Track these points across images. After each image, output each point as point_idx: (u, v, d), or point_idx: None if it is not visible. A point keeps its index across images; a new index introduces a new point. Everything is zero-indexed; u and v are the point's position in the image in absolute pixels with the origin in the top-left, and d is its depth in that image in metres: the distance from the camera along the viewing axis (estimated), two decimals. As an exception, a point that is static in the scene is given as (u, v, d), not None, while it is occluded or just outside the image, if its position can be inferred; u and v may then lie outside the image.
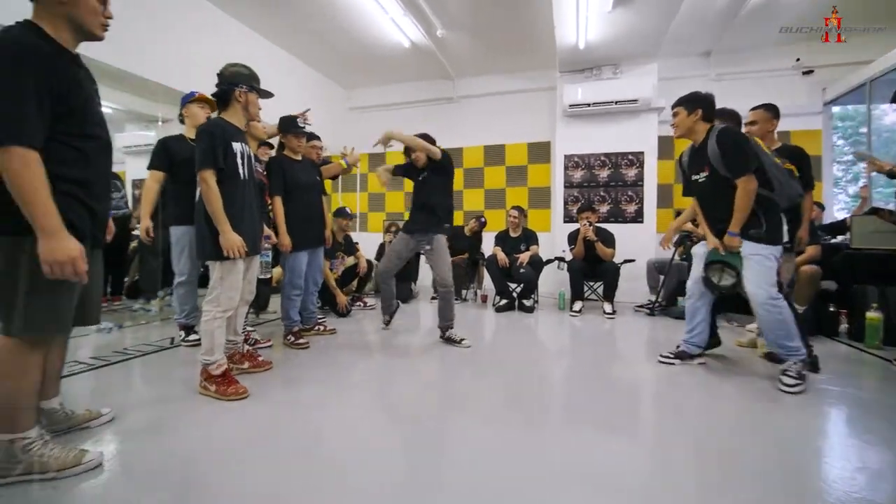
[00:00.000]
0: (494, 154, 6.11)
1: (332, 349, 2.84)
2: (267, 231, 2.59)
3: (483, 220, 5.10)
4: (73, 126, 1.25)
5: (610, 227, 4.47)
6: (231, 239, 1.87)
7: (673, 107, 2.44)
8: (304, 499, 1.23)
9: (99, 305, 1.57)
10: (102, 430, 1.64)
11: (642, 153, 4.95)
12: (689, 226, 3.82)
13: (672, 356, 2.53)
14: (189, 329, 2.85)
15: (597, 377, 2.37)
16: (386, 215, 6.60)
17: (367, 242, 5.94)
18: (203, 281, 3.18)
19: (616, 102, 4.83)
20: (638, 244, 4.75)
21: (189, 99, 2.74)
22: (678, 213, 4.21)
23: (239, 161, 1.97)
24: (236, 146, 1.97)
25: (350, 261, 4.38)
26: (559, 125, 5.25)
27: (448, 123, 6.23)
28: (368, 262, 4.57)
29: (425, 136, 3.07)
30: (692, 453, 1.55)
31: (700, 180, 2.36)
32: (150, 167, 2.70)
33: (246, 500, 1.22)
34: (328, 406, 1.92)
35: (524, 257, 4.22)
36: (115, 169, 3.69)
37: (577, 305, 4.13)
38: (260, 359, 2.35)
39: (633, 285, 4.64)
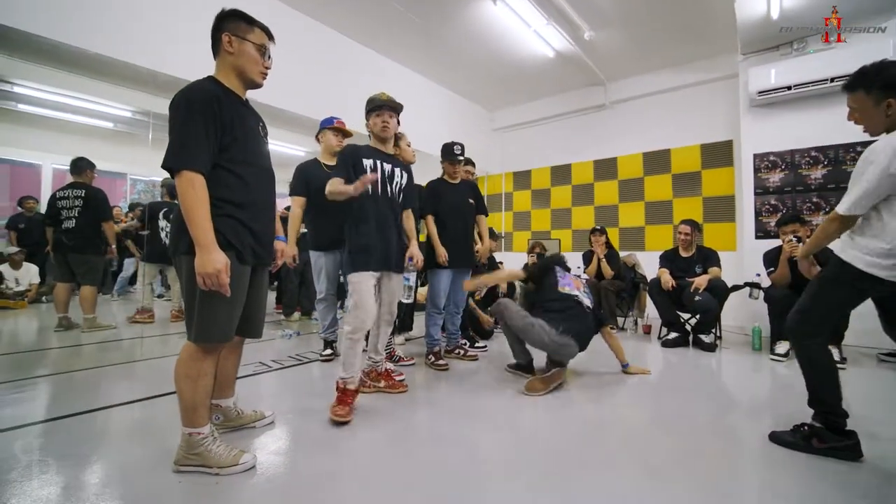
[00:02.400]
0: (657, 161, 5.32)
1: (471, 375, 2.71)
2: (411, 252, 2.33)
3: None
4: (237, 154, 1.42)
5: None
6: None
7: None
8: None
9: (262, 321, 1.73)
10: (262, 431, 1.80)
11: (882, 142, 3.63)
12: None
13: None
14: (327, 344, 3.01)
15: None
16: (531, 234, 6.36)
17: (512, 262, 5.79)
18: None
19: (832, 80, 3.69)
20: (881, 266, 3.44)
21: (327, 125, 2.92)
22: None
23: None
24: (367, 162, 2.05)
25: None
26: (745, 119, 4.26)
27: (599, 133, 5.73)
28: (510, 283, 4.37)
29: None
30: None
31: None
32: (291, 193, 2.80)
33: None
34: (455, 436, 1.76)
35: (700, 281, 3.43)
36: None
37: (782, 347, 3.14)
38: (397, 379, 2.35)
39: (875, 325, 3.34)
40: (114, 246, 4.10)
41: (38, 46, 2.95)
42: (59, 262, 3.83)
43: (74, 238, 3.76)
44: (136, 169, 7.16)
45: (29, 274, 5.32)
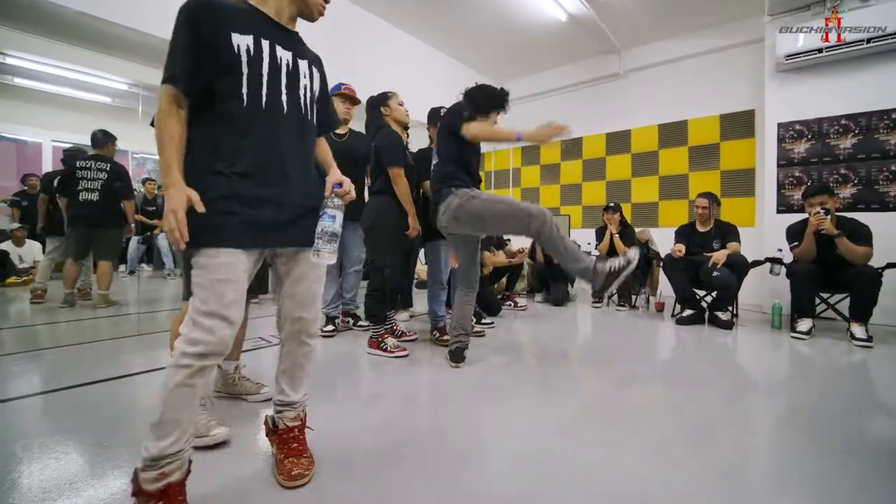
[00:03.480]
0: (673, 133, 5.08)
1: (476, 351, 2.60)
2: (335, 178, 1.24)
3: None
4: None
5: (858, 217, 3.13)
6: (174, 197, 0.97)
7: None
8: None
9: (267, 278, 1.64)
10: (253, 407, 1.70)
11: (921, 107, 3.38)
12: None
13: None
14: (329, 320, 2.91)
15: (841, 437, 1.53)
16: (539, 212, 6.17)
17: (520, 240, 5.63)
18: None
19: (869, 41, 3.42)
20: (914, 240, 3.24)
21: (334, 91, 2.72)
22: None
23: (245, 69, 1.04)
24: (241, 40, 1.04)
25: (500, 257, 4.14)
26: (769, 86, 4.01)
27: (613, 104, 5.48)
28: (515, 265, 4.26)
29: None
30: None
31: None
32: None
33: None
34: (456, 412, 1.66)
35: (719, 256, 3.27)
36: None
37: (804, 324, 2.98)
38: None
39: (905, 301, 3.18)
40: (133, 224, 4.01)
41: (24, 8, 2.82)
42: (76, 237, 3.68)
43: (99, 211, 3.64)
44: (137, 146, 7.05)
45: (32, 251, 5.30)
